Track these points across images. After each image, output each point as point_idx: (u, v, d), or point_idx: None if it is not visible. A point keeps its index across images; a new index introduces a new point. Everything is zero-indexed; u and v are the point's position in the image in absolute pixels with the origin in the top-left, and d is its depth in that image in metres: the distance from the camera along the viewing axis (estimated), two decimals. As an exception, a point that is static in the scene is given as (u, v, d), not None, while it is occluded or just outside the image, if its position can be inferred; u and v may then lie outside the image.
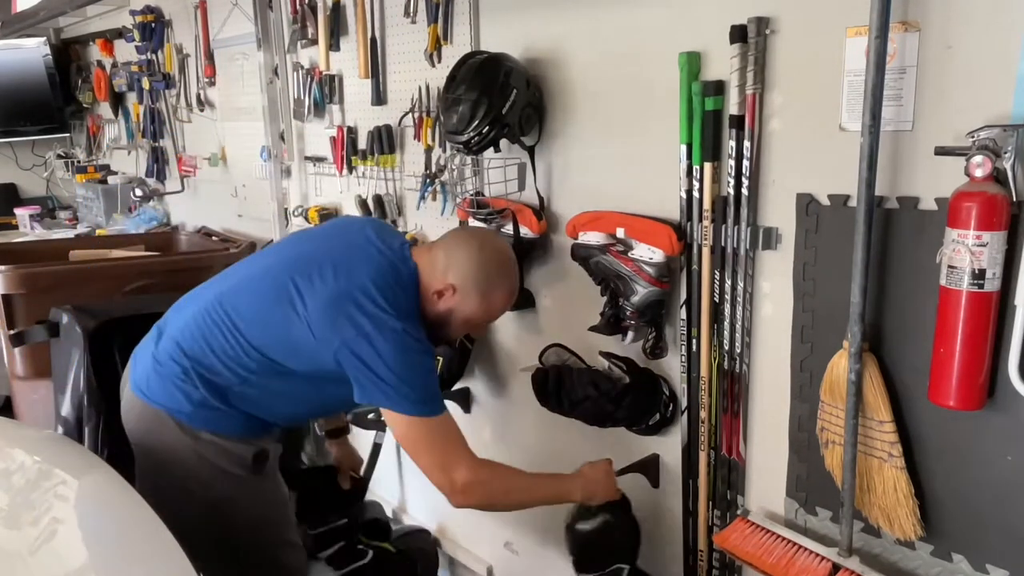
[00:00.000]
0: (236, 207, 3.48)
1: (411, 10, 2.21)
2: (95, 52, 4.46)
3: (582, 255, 1.82)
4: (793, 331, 1.56)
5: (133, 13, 3.67)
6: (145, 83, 3.80)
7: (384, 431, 2.52)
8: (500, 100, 1.81)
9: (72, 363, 2.10)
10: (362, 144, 2.55)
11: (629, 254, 1.74)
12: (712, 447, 1.74)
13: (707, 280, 1.66)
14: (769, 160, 1.54)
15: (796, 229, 1.51)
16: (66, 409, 2.09)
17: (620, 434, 1.89)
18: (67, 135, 5.07)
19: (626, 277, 1.73)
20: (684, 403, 1.78)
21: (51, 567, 1.24)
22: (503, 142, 1.89)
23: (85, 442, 2.03)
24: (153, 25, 3.63)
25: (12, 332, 2.49)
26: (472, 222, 2.11)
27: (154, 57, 3.74)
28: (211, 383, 1.62)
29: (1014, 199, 1.20)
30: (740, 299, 1.62)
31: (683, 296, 1.72)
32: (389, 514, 2.72)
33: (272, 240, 3.04)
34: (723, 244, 1.61)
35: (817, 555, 1.52)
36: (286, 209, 3.03)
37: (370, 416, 2.46)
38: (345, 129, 2.61)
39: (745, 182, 1.55)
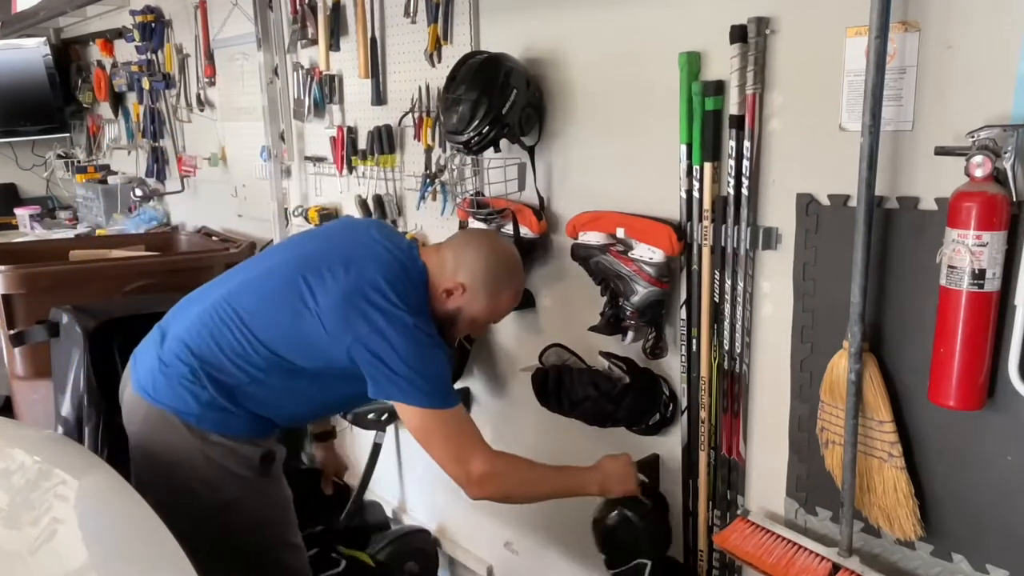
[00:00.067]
0: (236, 207, 3.48)
1: (411, 10, 2.21)
2: (95, 52, 4.45)
3: (582, 255, 1.82)
4: (793, 331, 1.56)
5: (133, 13, 3.67)
6: (145, 83, 3.79)
7: (384, 431, 2.52)
8: (500, 100, 1.81)
9: (72, 363, 2.10)
10: (362, 144, 2.55)
11: (629, 254, 1.74)
12: (712, 447, 1.74)
13: (707, 280, 1.66)
14: (769, 160, 1.54)
15: (796, 229, 1.51)
16: (66, 409, 2.09)
17: (620, 434, 1.89)
18: (67, 135, 5.07)
19: (626, 277, 1.73)
20: (684, 403, 1.78)
21: (51, 567, 1.24)
22: (503, 142, 1.89)
23: (85, 442, 2.03)
24: (153, 25, 3.63)
25: (12, 332, 2.49)
26: (472, 222, 2.11)
27: (154, 57, 3.73)
28: (219, 382, 1.62)
29: (1014, 199, 1.20)
30: (740, 299, 1.62)
31: (683, 296, 1.72)
32: (389, 514, 2.72)
33: (272, 240, 3.04)
34: (723, 244, 1.61)
35: (817, 555, 1.52)
36: (286, 209, 3.03)
37: (370, 416, 2.46)
38: (345, 129, 2.61)
39: (745, 182, 1.55)
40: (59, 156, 5.02)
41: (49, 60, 4.74)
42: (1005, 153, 1.18)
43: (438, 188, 2.30)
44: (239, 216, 3.48)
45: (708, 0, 1.57)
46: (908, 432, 1.42)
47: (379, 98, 2.43)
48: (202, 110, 3.57)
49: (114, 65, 4.26)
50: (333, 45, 2.57)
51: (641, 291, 1.72)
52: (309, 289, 1.59)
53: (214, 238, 3.40)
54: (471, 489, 1.62)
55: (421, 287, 1.66)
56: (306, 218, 2.85)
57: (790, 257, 1.53)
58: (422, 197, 2.35)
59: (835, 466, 1.50)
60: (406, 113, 2.34)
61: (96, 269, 2.89)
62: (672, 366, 1.82)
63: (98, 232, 4.09)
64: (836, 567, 1.49)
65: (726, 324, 1.65)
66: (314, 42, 2.64)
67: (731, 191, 1.58)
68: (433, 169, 2.30)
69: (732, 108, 1.54)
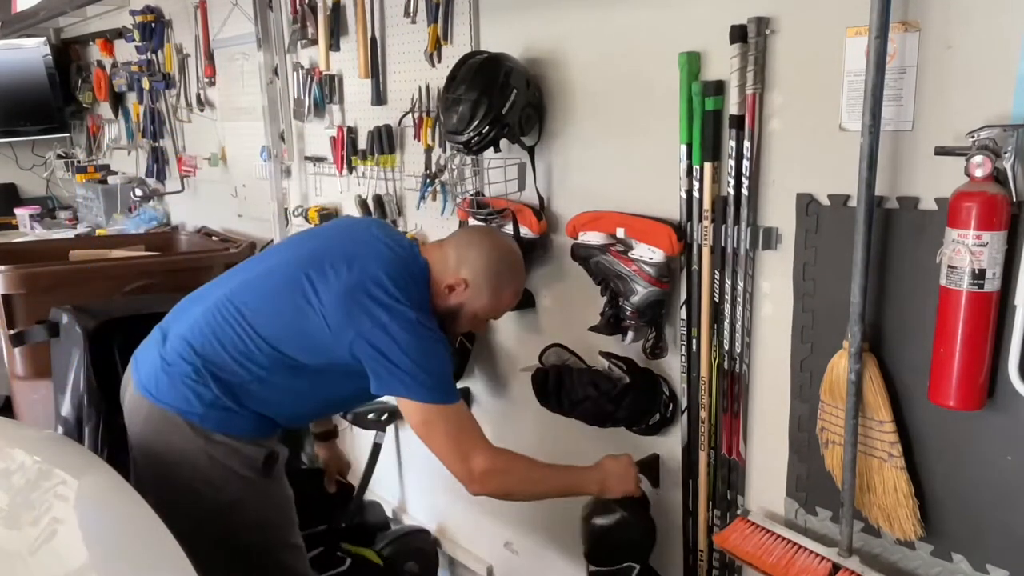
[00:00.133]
0: (236, 207, 3.48)
1: (411, 10, 2.21)
2: (95, 52, 4.45)
3: (582, 255, 1.82)
4: (793, 331, 1.56)
5: (133, 13, 3.67)
6: (145, 83, 3.79)
7: (384, 431, 2.52)
8: (500, 100, 1.81)
9: (72, 363, 2.10)
10: (362, 144, 2.55)
11: (629, 254, 1.74)
12: (712, 447, 1.74)
13: (707, 280, 1.66)
14: (769, 160, 1.54)
15: (796, 229, 1.51)
16: (66, 409, 2.09)
17: (620, 434, 1.89)
18: (67, 135, 5.07)
19: (626, 277, 1.73)
20: (684, 403, 1.78)
21: (51, 567, 1.24)
22: (503, 142, 1.89)
23: (85, 442, 2.03)
24: (153, 25, 3.63)
25: (12, 332, 2.49)
26: (472, 222, 2.11)
27: (154, 57, 3.73)
28: (222, 381, 1.63)
29: (1014, 199, 1.20)
30: (740, 299, 1.62)
31: (683, 296, 1.72)
32: (389, 514, 2.72)
33: (272, 240, 3.04)
34: (723, 244, 1.61)
35: (817, 555, 1.52)
36: (286, 209, 3.03)
37: (370, 416, 2.46)
38: (345, 129, 2.61)
39: (745, 182, 1.55)
40: (59, 156, 5.02)
41: (49, 60, 4.74)
42: (1005, 153, 1.18)
43: (438, 188, 2.30)
44: (239, 216, 3.48)
45: (708, 0, 1.57)
46: (908, 432, 1.42)
47: (379, 98, 2.43)
48: (202, 110, 3.57)
49: (114, 65, 4.27)
50: (333, 45, 2.57)
51: (641, 291, 1.72)
52: (312, 286, 1.60)
53: (214, 238, 3.40)
54: (472, 485, 1.62)
55: (423, 283, 1.67)
56: (306, 218, 2.85)
57: (790, 257, 1.53)
58: (422, 197, 2.35)
59: (835, 466, 1.50)
60: (406, 113, 2.34)
61: (96, 269, 2.89)
62: (672, 366, 1.82)
63: (98, 232, 4.09)
64: (836, 567, 1.49)
65: (726, 324, 1.65)
66: (314, 42, 2.64)
67: (731, 191, 1.58)
68: (433, 169, 2.30)
69: (732, 108, 1.54)
